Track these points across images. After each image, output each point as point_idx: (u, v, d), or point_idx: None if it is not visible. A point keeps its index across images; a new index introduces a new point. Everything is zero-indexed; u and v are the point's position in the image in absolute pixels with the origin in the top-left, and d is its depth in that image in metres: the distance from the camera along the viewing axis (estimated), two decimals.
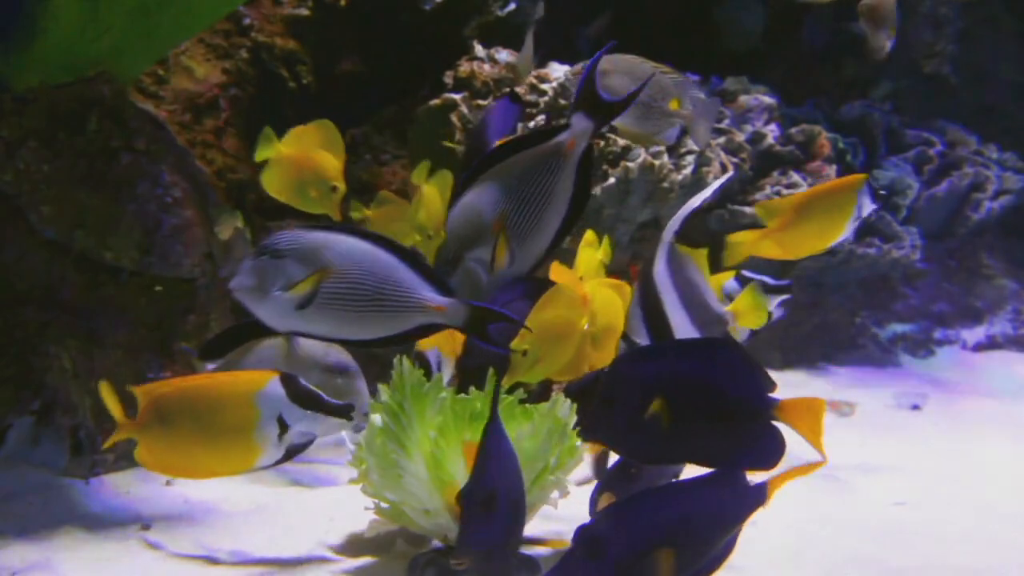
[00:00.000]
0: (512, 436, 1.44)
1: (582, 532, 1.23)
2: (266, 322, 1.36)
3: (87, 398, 2.03)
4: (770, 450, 1.37)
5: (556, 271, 1.56)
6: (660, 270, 1.33)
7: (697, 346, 1.44)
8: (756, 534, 1.79)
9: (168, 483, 2.00)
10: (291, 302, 1.34)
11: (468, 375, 1.60)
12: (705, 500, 1.32)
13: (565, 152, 1.45)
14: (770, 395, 1.35)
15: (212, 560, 1.65)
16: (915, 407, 2.79)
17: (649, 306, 1.37)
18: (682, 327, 1.42)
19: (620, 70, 1.71)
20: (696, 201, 1.47)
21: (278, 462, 1.42)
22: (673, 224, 1.39)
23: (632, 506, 1.26)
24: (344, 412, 1.42)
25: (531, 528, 1.60)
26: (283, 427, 1.39)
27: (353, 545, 1.67)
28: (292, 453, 1.42)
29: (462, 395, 1.55)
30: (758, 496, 1.36)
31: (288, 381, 1.39)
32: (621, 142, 2.76)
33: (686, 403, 1.30)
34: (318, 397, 1.40)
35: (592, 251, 1.76)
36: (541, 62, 2.92)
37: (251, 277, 1.35)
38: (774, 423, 1.35)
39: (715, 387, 1.32)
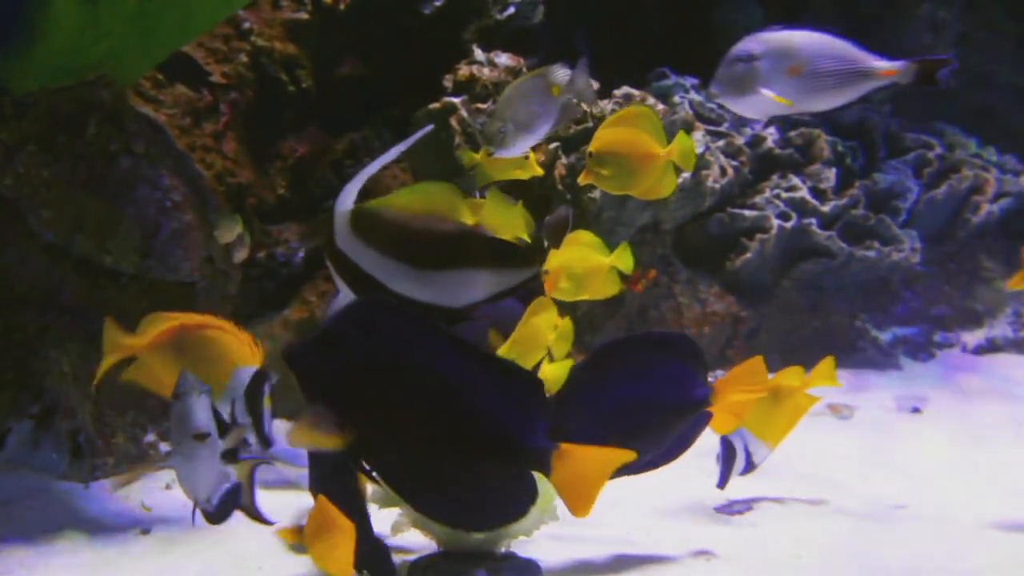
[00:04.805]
0: None
1: None
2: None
3: (87, 402, 2.03)
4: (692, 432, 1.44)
5: None
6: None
7: (637, 364, 1.46)
8: (755, 534, 1.79)
9: (167, 487, 2.00)
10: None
11: None
12: None
13: None
14: (704, 388, 1.40)
15: (212, 563, 1.65)
16: (915, 410, 2.79)
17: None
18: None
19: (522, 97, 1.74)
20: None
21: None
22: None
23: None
24: (263, 440, 1.47)
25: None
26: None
27: None
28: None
29: None
30: None
31: (257, 378, 1.43)
32: None
33: (632, 423, 1.32)
34: (258, 410, 1.43)
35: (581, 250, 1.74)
36: (540, 65, 2.92)
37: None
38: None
39: (655, 401, 1.36)
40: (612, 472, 1.10)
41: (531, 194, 2.71)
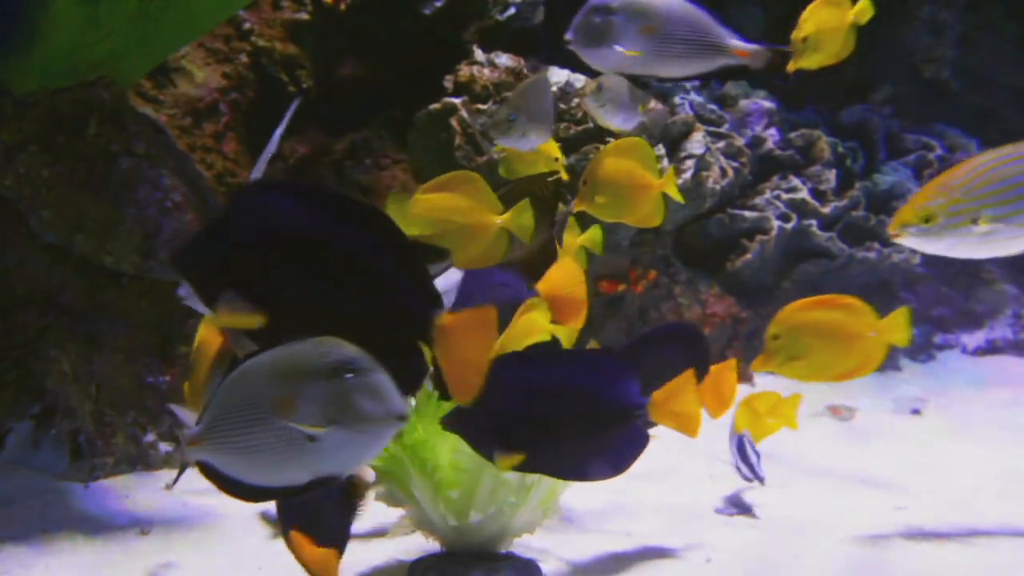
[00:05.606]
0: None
1: None
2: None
3: (87, 402, 2.03)
4: (631, 448, 1.38)
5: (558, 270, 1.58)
6: None
7: (572, 353, 1.46)
8: (755, 535, 1.79)
9: (167, 487, 2.00)
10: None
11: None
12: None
13: None
14: (639, 397, 1.36)
15: (212, 563, 1.65)
16: (915, 411, 2.79)
17: None
18: None
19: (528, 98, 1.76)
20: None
21: None
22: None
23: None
24: None
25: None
26: None
27: (352, 549, 1.67)
28: None
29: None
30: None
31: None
32: None
33: (557, 411, 1.31)
34: None
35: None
36: (540, 66, 2.93)
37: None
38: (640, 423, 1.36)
39: (587, 394, 1.34)
40: (487, 350, 1.11)
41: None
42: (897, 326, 1.55)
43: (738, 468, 1.93)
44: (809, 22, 1.62)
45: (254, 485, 1.26)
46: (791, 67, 1.65)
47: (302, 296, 1.10)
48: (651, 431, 1.39)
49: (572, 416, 1.34)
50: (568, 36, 1.55)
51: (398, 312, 1.10)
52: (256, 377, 1.16)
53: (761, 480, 1.92)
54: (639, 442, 1.37)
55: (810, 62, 1.64)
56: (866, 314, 1.55)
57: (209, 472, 1.21)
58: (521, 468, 1.34)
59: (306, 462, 1.18)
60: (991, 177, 1.51)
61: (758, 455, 1.93)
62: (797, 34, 1.63)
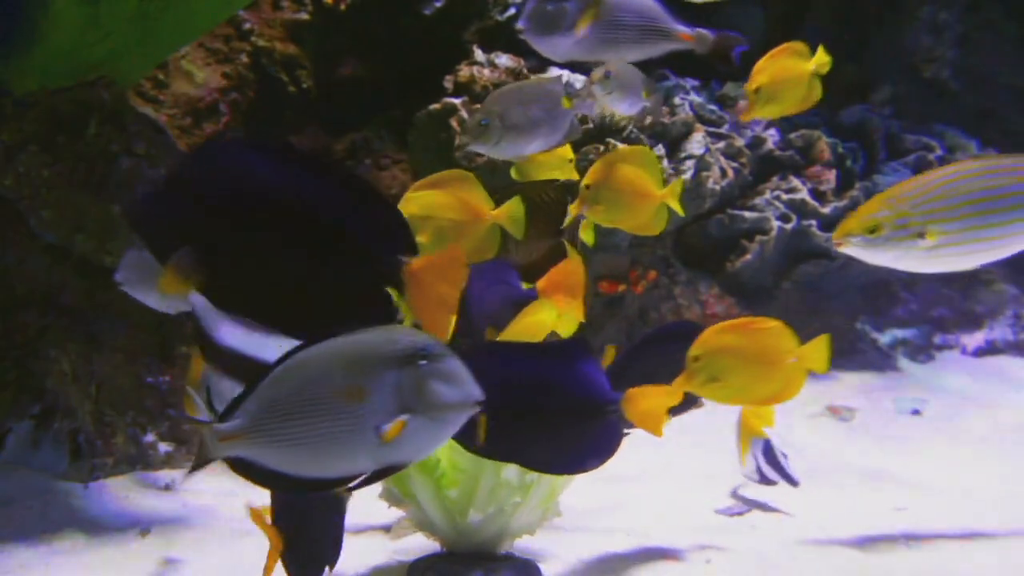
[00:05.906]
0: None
1: None
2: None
3: (87, 402, 2.03)
4: (605, 443, 1.37)
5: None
6: None
7: (544, 346, 1.46)
8: (755, 536, 1.79)
9: (167, 488, 2.00)
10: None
11: None
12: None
13: None
14: (613, 393, 1.35)
15: (212, 563, 1.65)
16: (915, 412, 2.79)
17: None
18: None
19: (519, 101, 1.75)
20: None
21: None
22: None
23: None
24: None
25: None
26: None
27: (351, 549, 1.67)
28: None
29: None
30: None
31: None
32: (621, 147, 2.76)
33: (527, 402, 1.31)
34: None
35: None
36: (541, 66, 2.93)
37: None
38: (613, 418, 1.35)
39: (557, 386, 1.33)
40: (458, 287, 1.11)
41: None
42: (817, 352, 1.53)
43: (759, 470, 1.92)
44: (762, 73, 1.63)
45: (302, 477, 1.22)
46: (745, 118, 1.66)
47: (266, 248, 1.09)
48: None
49: (543, 409, 1.34)
50: (520, 25, 1.56)
51: (365, 259, 1.09)
52: (316, 368, 1.12)
53: (794, 483, 1.91)
54: (613, 438, 1.37)
55: (767, 112, 1.65)
56: (787, 339, 1.53)
57: (244, 467, 1.15)
58: (490, 456, 1.35)
59: (375, 452, 1.15)
60: (941, 193, 1.51)
61: (785, 456, 1.93)
62: (750, 85, 1.63)
